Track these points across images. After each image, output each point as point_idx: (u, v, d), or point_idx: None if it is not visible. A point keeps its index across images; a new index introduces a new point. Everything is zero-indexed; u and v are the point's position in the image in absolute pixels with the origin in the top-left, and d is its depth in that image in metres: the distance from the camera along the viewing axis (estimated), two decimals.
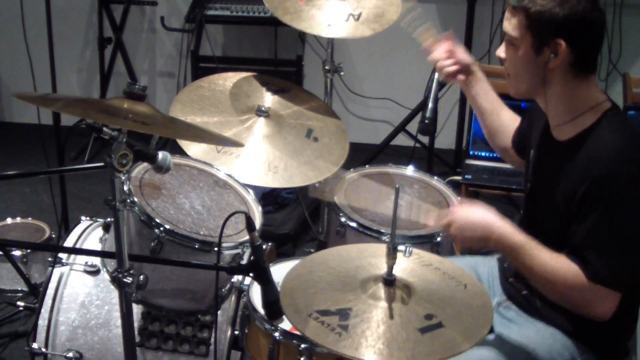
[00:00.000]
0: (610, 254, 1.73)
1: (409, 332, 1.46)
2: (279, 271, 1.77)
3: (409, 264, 1.66)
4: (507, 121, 2.19)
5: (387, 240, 1.57)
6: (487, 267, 2.14)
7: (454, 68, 2.12)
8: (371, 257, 1.68)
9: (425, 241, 2.24)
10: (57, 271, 2.18)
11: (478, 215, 1.82)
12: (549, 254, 1.77)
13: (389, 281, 1.56)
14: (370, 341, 1.43)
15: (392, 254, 1.54)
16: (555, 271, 1.75)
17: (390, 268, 1.56)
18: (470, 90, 2.18)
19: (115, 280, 1.66)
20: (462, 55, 2.14)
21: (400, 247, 1.60)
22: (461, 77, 2.14)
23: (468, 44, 3.95)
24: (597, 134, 1.77)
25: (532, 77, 1.82)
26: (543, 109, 1.91)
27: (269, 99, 2.55)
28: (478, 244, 1.84)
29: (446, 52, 2.13)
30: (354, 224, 2.29)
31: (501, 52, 1.87)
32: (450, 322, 1.49)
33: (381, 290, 1.55)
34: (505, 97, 3.15)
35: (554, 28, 1.73)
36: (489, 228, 1.80)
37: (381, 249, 1.59)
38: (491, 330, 1.48)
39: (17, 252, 2.93)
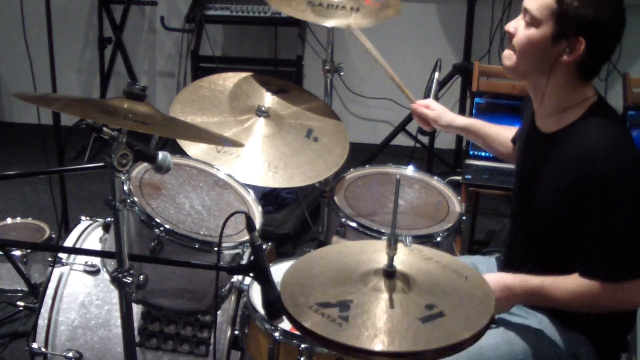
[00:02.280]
0: (625, 248, 1.75)
1: (410, 321, 1.45)
2: (279, 271, 1.77)
3: (410, 258, 1.66)
4: (503, 135, 2.24)
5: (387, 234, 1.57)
6: (486, 265, 2.15)
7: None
8: (371, 252, 1.67)
9: (425, 241, 2.24)
10: (57, 271, 2.18)
11: (492, 284, 1.80)
12: (567, 280, 1.79)
13: (390, 273, 1.55)
14: (371, 330, 1.43)
15: (392, 245, 1.54)
16: (579, 293, 1.78)
17: (391, 259, 1.55)
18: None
19: (115, 280, 1.66)
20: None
21: (400, 238, 1.60)
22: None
23: (468, 44, 3.95)
24: (585, 130, 1.78)
25: (538, 62, 1.81)
26: (533, 95, 1.91)
27: (269, 99, 2.55)
28: (509, 306, 1.87)
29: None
30: (354, 224, 2.28)
31: (511, 27, 1.85)
32: (451, 312, 1.48)
33: (382, 282, 1.55)
34: (505, 97, 3.18)
35: (581, 26, 1.73)
36: (507, 289, 1.82)
37: (381, 245, 1.59)
38: (493, 321, 1.48)
39: (17, 252, 2.93)
